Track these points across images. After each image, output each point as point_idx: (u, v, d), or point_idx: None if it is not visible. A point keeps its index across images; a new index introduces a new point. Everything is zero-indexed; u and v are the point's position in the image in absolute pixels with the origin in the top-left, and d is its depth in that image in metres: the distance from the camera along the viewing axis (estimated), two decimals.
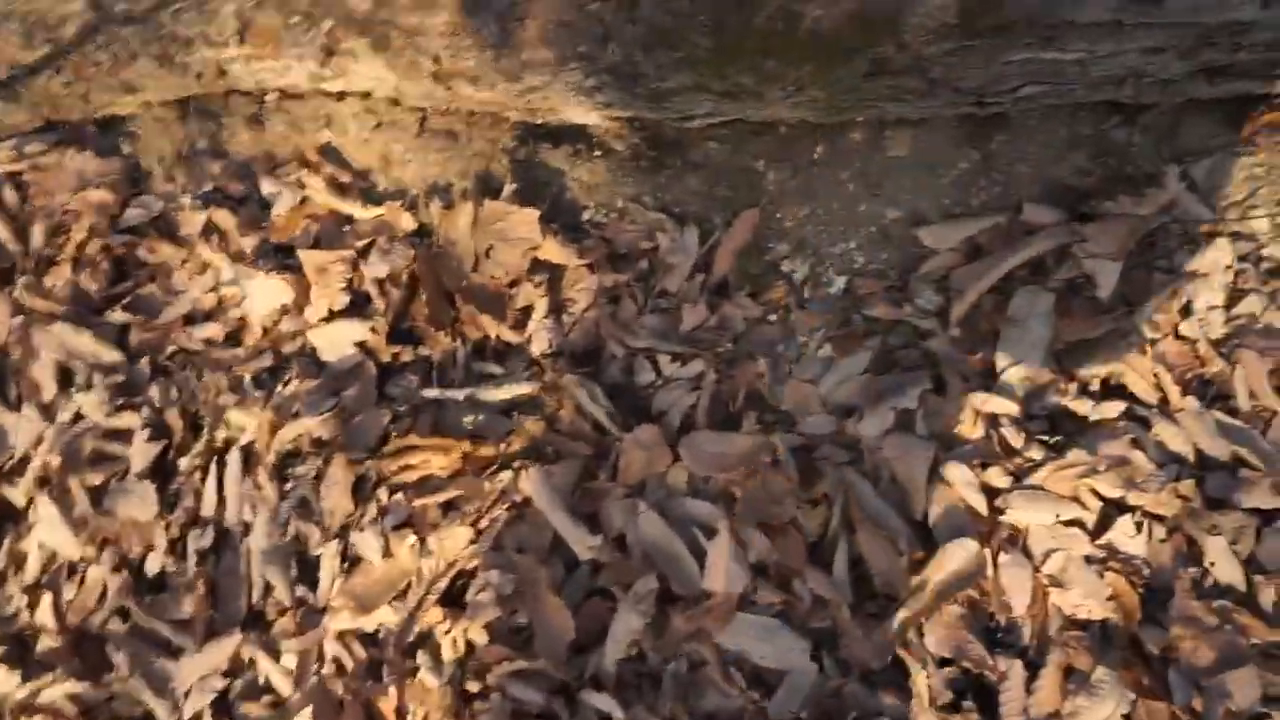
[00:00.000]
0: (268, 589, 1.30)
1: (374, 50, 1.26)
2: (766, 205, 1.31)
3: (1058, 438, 1.12)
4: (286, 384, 1.36)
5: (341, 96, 1.46)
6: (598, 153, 1.35)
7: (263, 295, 1.39)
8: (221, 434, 1.37)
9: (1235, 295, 1.12)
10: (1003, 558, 1.10)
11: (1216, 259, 1.12)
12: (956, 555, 1.10)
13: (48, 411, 1.40)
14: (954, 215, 1.24)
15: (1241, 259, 1.12)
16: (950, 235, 1.22)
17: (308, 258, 1.38)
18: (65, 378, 1.41)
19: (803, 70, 1.09)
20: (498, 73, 1.20)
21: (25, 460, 1.39)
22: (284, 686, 1.23)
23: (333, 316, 1.37)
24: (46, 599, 1.34)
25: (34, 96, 1.46)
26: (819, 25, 1.05)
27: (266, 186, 1.46)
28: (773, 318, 1.29)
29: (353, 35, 1.25)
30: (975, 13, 1.01)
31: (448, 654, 1.19)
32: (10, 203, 1.46)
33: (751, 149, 1.31)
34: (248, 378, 1.38)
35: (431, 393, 1.30)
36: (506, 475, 1.26)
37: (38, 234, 1.44)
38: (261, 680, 1.24)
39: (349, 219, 1.42)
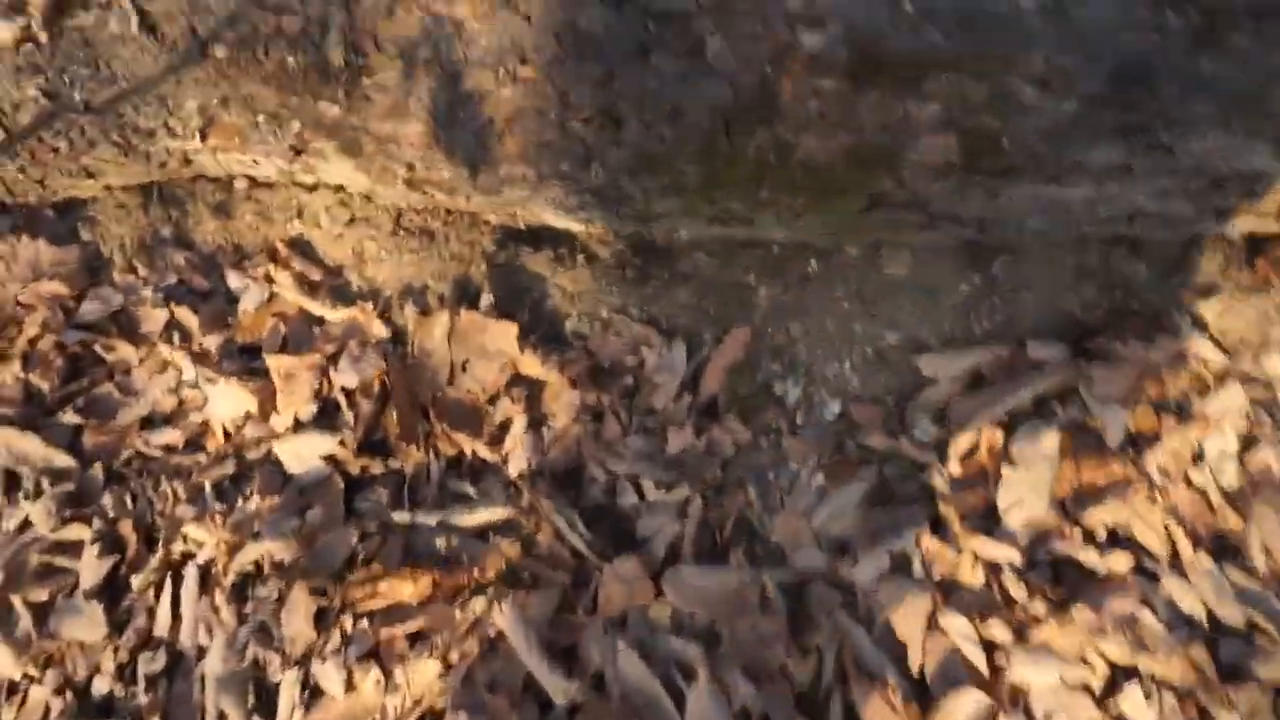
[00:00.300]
0: (222, 718, 1.22)
1: (344, 154, 1.19)
2: (758, 322, 1.24)
3: (1062, 590, 1.06)
4: (248, 497, 1.29)
5: (314, 187, 1.39)
6: (581, 258, 1.29)
7: (225, 401, 1.31)
8: (178, 547, 1.29)
9: (1249, 443, 1.06)
10: None
11: (1229, 404, 1.07)
12: (962, 708, 1.04)
13: None
14: (954, 342, 1.18)
15: (1255, 404, 1.07)
16: (950, 365, 1.16)
17: (275, 363, 1.31)
18: (12, 483, 1.33)
19: (796, 201, 1.03)
20: (474, 187, 1.13)
21: None
22: None
23: (300, 427, 1.29)
24: None
25: None
26: (813, 158, 0.99)
27: (233, 281, 1.39)
28: (763, 442, 1.22)
29: (321, 137, 1.18)
30: (978, 153, 0.95)
31: None
32: None
33: (743, 262, 1.25)
34: (208, 486, 1.31)
35: (402, 516, 1.23)
36: (480, 603, 1.19)
37: None
38: None
39: (319, 320, 1.35)
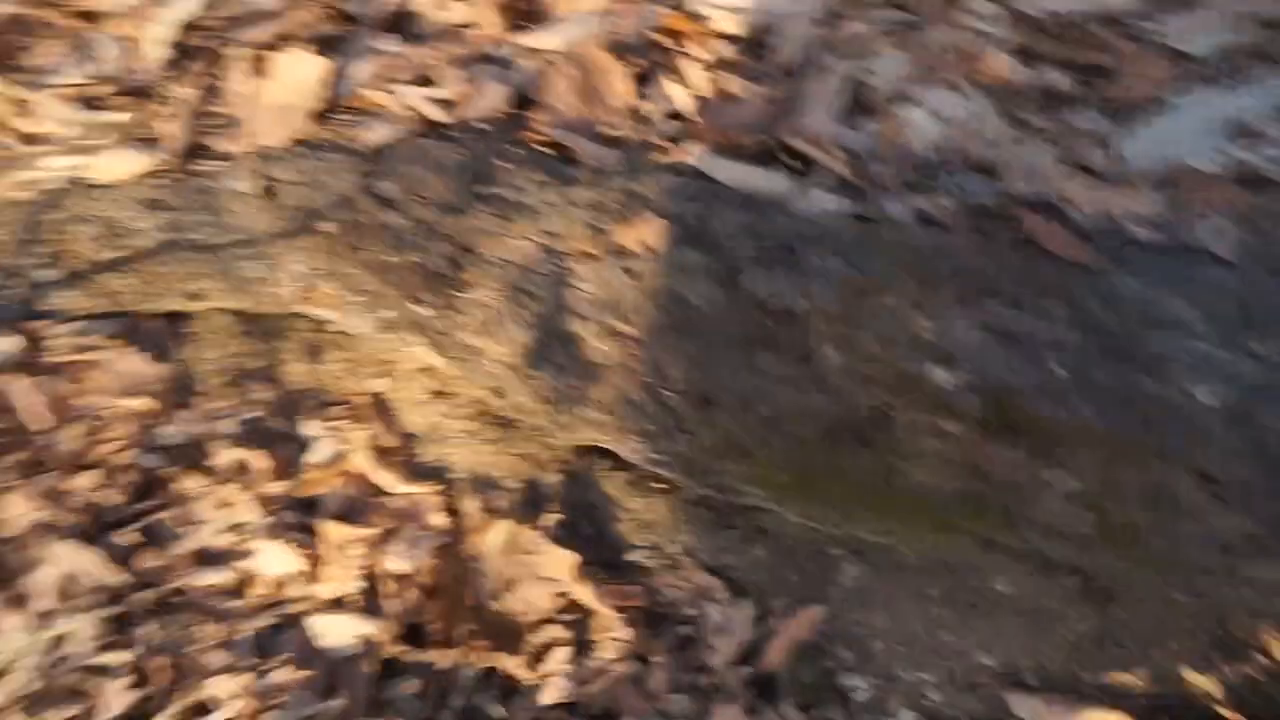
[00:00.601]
0: None
1: (431, 348, 1.15)
2: (837, 602, 1.12)
3: None
4: (277, 664, 1.25)
5: None
6: (660, 488, 1.20)
7: (274, 557, 1.28)
8: (201, 695, 1.26)
9: None
10: None
11: None
12: None
13: (40, 623, 1.33)
14: (1057, 686, 1.03)
15: None
16: (1049, 716, 1.01)
17: (328, 531, 1.27)
18: (67, 593, 1.34)
19: (896, 524, 0.92)
20: (553, 421, 1.06)
21: (5, 673, 1.31)
22: None
23: (341, 602, 1.25)
24: None
25: (99, 289, 1.40)
26: (921, 492, 0.87)
27: (309, 429, 1.36)
28: None
29: (412, 331, 1.14)
30: (1117, 537, 0.82)
31: None
32: (59, 394, 1.40)
33: (833, 533, 1.13)
34: (242, 638, 1.28)
35: None
36: None
37: (73, 434, 1.38)
38: None
39: (383, 490, 1.31)
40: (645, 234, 0.93)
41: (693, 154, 1.01)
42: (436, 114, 1.14)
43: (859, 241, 0.86)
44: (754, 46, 1.15)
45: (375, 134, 1.15)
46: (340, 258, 1.15)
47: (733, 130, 1.02)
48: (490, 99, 1.14)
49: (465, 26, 1.31)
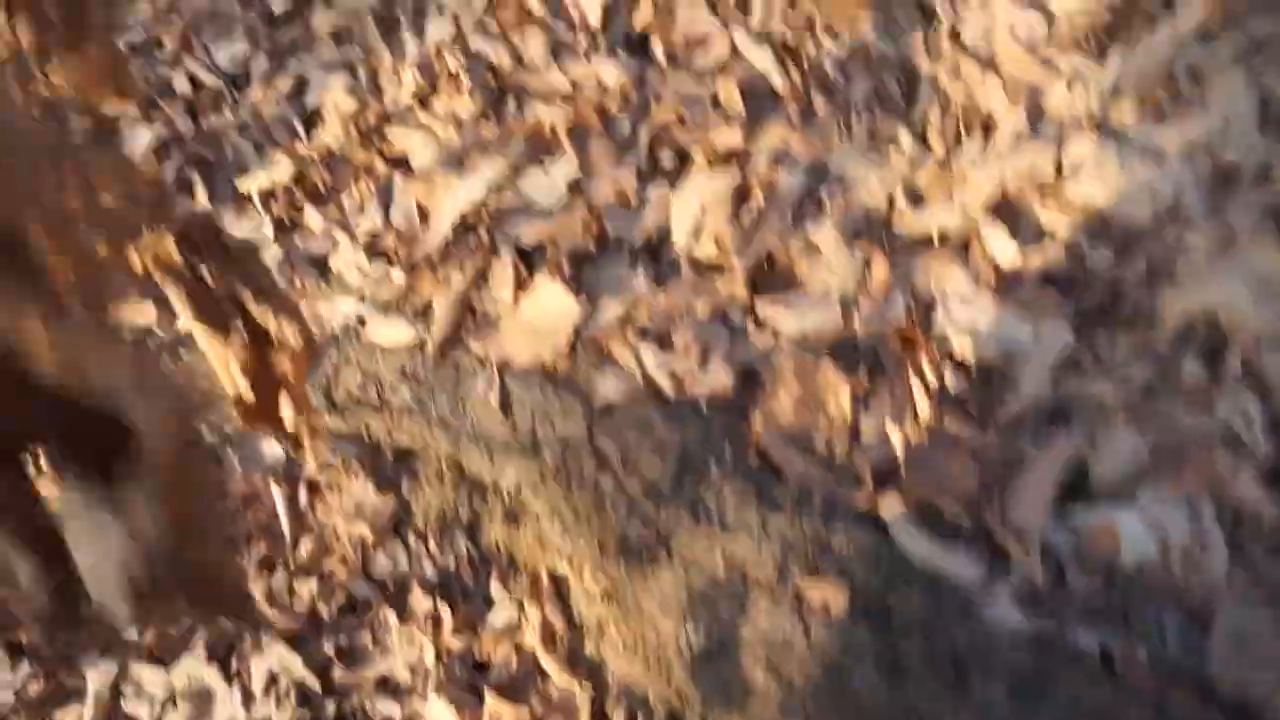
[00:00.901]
0: None
1: (607, 594, 1.24)
2: None
3: None
4: None
5: None
6: None
7: (439, 710, 1.43)
8: None
9: None
10: None
11: None
12: None
13: (248, 701, 1.56)
14: None
15: None
16: None
17: (491, 705, 1.40)
18: (271, 682, 1.56)
19: None
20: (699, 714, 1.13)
21: None
22: None
23: None
24: None
25: (353, 419, 1.61)
26: None
27: (494, 591, 1.50)
28: None
29: (596, 571, 1.24)
30: None
31: None
32: (301, 505, 1.63)
33: None
34: None
35: None
36: None
37: (307, 546, 1.60)
38: None
39: (544, 673, 1.42)
40: (827, 596, 0.97)
41: (892, 511, 1.03)
42: (665, 384, 1.23)
43: (1030, 679, 0.86)
44: (986, 382, 1.15)
45: (607, 387, 1.26)
46: (546, 486, 1.27)
47: (938, 489, 1.04)
48: (716, 379, 1.21)
49: (712, 270, 1.40)
